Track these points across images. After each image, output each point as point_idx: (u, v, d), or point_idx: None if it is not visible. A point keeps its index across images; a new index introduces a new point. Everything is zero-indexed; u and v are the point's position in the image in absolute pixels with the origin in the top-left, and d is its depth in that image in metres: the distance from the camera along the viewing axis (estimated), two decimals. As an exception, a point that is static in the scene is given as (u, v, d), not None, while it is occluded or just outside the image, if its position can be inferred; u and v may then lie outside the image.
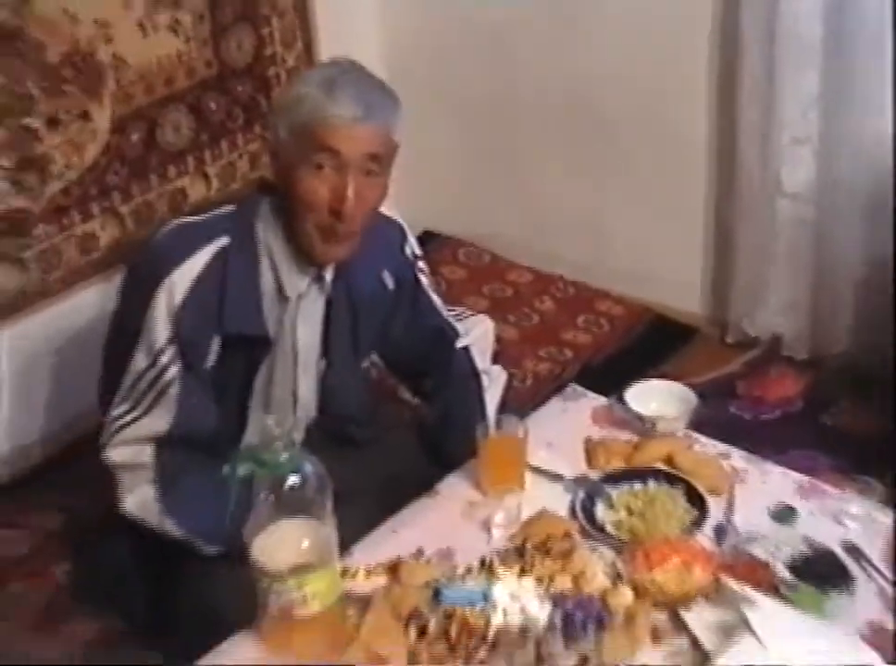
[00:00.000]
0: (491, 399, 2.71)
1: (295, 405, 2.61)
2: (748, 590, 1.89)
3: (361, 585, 2.07)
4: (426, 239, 4.27)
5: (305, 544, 1.88)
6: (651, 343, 3.83)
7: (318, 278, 2.45)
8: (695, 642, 1.86)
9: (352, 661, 1.90)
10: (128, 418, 2.36)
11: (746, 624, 1.80)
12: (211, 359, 2.36)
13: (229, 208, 2.44)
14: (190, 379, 2.35)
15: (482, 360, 2.78)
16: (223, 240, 2.34)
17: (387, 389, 3.10)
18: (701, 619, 1.88)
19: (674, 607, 1.94)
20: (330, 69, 2.39)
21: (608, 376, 3.37)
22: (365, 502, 2.38)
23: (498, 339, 3.46)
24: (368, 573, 2.10)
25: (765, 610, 1.83)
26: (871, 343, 3.40)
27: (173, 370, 2.33)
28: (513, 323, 4.00)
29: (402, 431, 2.81)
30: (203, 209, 2.52)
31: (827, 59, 3.23)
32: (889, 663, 1.80)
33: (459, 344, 2.74)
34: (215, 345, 2.35)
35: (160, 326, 2.29)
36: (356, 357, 2.68)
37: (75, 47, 3.36)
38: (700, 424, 2.46)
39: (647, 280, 3.87)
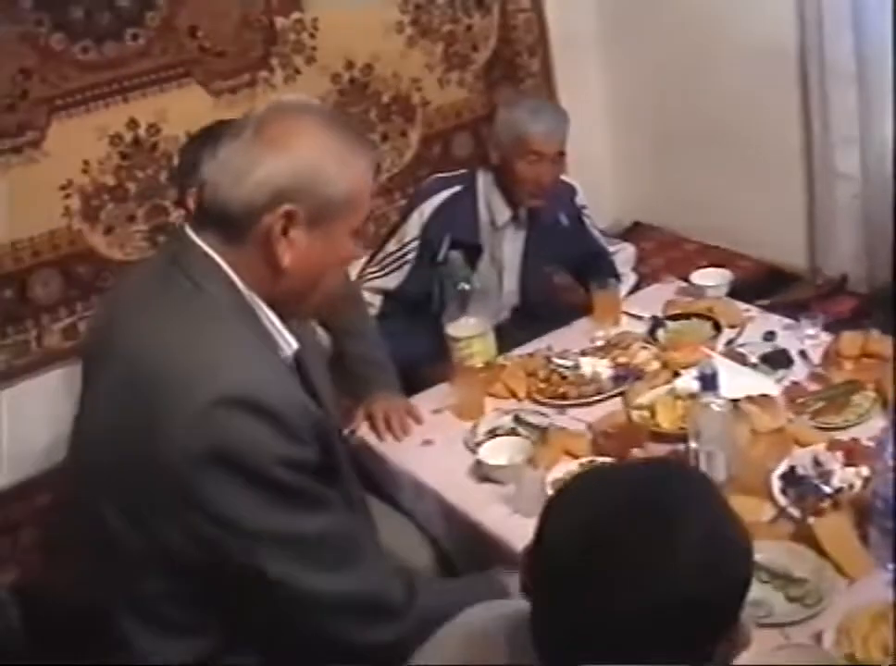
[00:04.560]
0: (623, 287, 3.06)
1: (501, 295, 3.00)
2: (718, 356, 2.43)
3: (510, 360, 2.63)
4: (634, 227, 4.62)
5: (472, 322, 2.52)
6: (769, 286, 3.93)
7: (516, 216, 2.93)
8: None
9: (494, 391, 2.48)
10: (372, 275, 2.86)
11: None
12: (441, 254, 2.84)
13: (462, 171, 3.00)
14: (418, 263, 2.83)
15: (623, 267, 3.17)
16: (456, 188, 2.89)
17: (563, 285, 3.31)
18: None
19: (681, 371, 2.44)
20: (532, 102, 2.98)
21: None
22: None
23: (641, 259, 3.89)
24: (519, 356, 2.65)
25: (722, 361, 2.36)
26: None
27: (411, 255, 2.83)
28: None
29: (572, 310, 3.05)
30: (449, 170, 3.11)
31: (860, 83, 3.47)
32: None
33: (608, 257, 3.13)
34: (444, 248, 2.84)
35: (411, 230, 2.84)
36: (544, 265, 3.05)
37: (398, 93, 3.95)
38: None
39: (766, 244, 4.04)
